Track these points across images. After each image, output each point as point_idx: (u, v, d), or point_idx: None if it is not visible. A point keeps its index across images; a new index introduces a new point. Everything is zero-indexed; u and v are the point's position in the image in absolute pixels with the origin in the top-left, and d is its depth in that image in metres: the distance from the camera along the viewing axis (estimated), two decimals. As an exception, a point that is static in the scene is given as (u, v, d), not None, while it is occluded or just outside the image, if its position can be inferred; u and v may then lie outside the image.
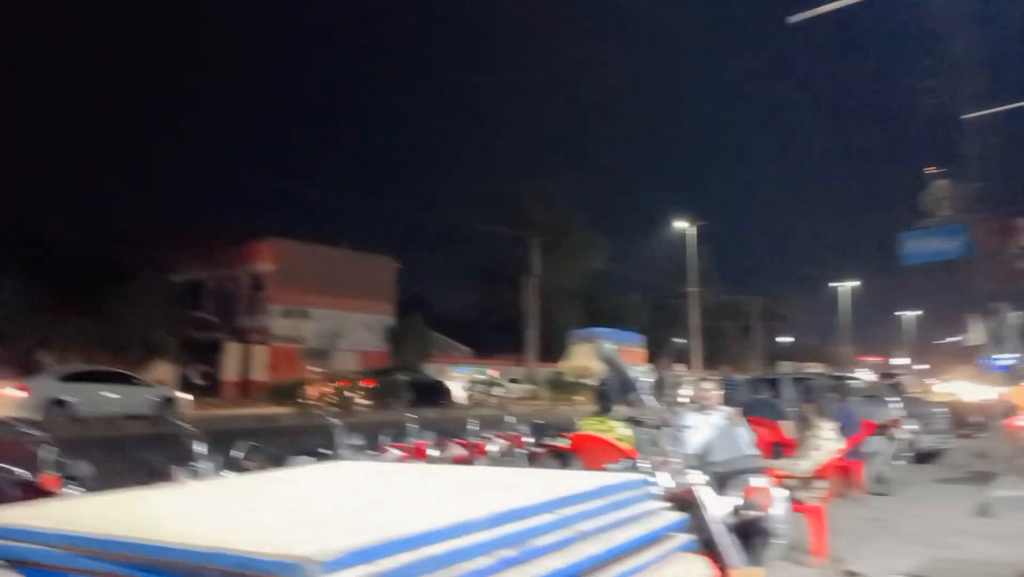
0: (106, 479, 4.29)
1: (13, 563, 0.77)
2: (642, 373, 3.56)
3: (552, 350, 37.63)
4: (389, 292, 36.29)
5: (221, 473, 4.29)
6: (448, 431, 6.90)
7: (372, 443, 6.20)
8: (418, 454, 6.25)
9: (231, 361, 29.60)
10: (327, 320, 32.15)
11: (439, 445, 6.54)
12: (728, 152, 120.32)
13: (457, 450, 6.59)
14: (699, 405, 4.72)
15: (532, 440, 7.22)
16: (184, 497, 1.16)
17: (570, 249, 40.33)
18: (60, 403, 17.08)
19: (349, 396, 22.94)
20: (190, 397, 20.73)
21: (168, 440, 4.93)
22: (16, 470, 3.51)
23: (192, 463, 4.28)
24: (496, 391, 30.37)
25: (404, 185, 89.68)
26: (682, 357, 35.68)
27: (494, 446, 6.74)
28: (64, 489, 3.66)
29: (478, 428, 6.94)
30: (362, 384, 24.22)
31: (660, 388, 5.31)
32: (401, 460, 6.11)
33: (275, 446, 5.77)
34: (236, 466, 4.93)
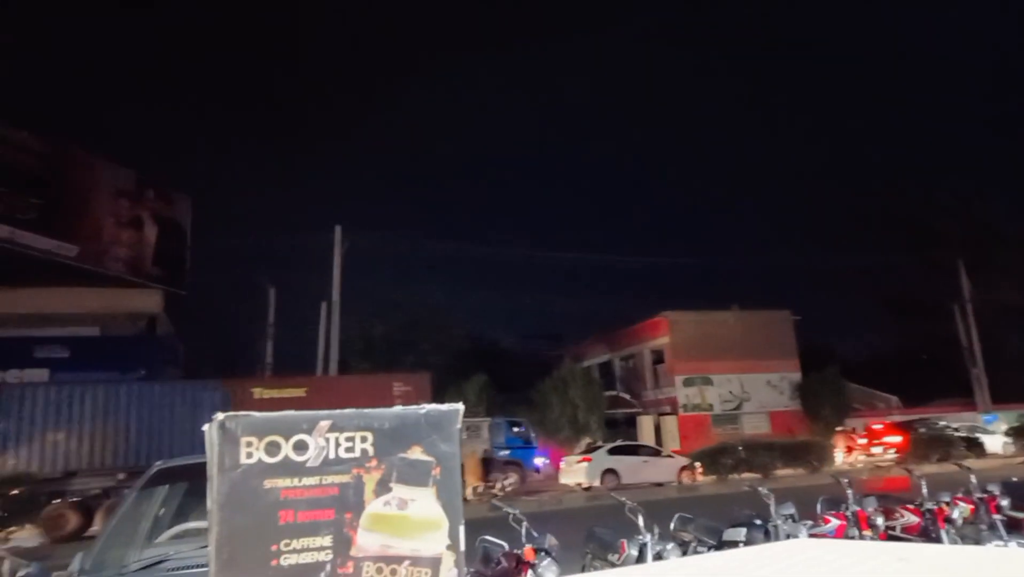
0: (567, 551, 4.86)
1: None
2: None
3: (1007, 387, 30.87)
4: (790, 347, 34.25)
5: (667, 546, 4.50)
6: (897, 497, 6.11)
7: (808, 511, 5.84)
8: (859, 523, 5.68)
9: (645, 433, 30.94)
10: (730, 384, 31.71)
11: (884, 512, 5.84)
12: None
13: (908, 518, 5.81)
14: None
15: (1006, 503, 5.98)
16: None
17: (1009, 257, 33.29)
18: (610, 471, 21.34)
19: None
20: (699, 465, 22.98)
21: (614, 512, 5.38)
22: (505, 545, 4.21)
23: (638, 536, 4.59)
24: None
25: (794, 232, 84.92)
26: None
27: (956, 512, 5.75)
28: (539, 560, 4.26)
29: (924, 491, 6.00)
30: (887, 442, 24.79)
31: None
32: (839, 530, 5.62)
33: (706, 516, 5.83)
34: (672, 538, 5.12)
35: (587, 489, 20.53)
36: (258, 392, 18.41)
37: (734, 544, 4.98)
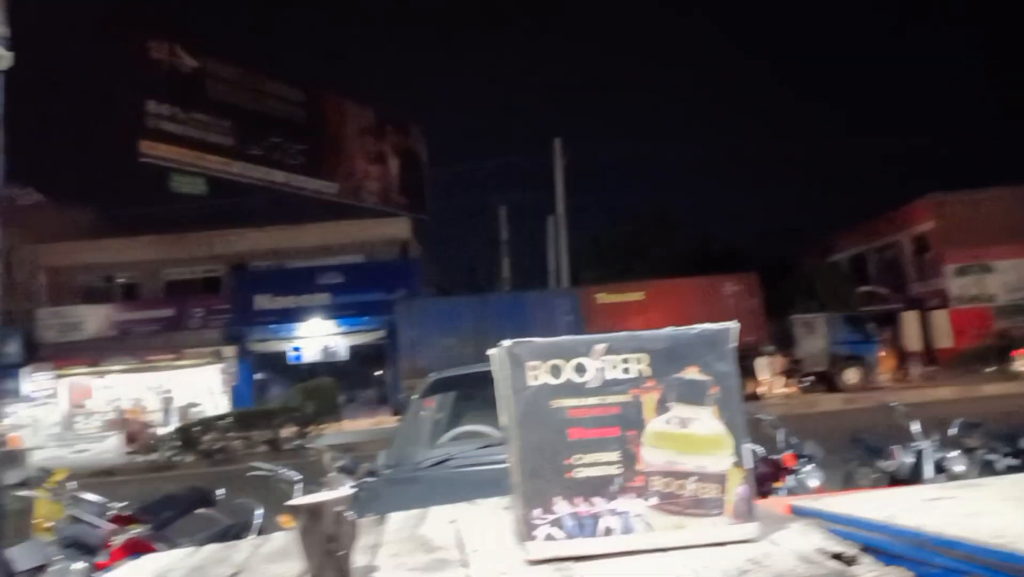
0: (827, 457, 4.63)
1: (868, 550, 0.96)
2: None
3: None
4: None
5: (950, 454, 4.12)
6: None
7: None
8: None
9: (909, 331, 27.98)
10: (1017, 270, 27.21)
11: None
12: None
13: None
14: None
15: None
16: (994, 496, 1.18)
17: None
18: None
19: None
20: None
21: (875, 416, 5.02)
22: (761, 450, 4.11)
23: (912, 442, 4.25)
24: None
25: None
26: None
27: None
28: (799, 466, 4.12)
29: None
30: None
31: None
32: None
33: (994, 421, 5.18)
34: (955, 444, 4.65)
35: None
36: (601, 297, 19.87)
37: (1035, 452, 4.39)
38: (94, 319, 23.86)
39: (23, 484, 3.65)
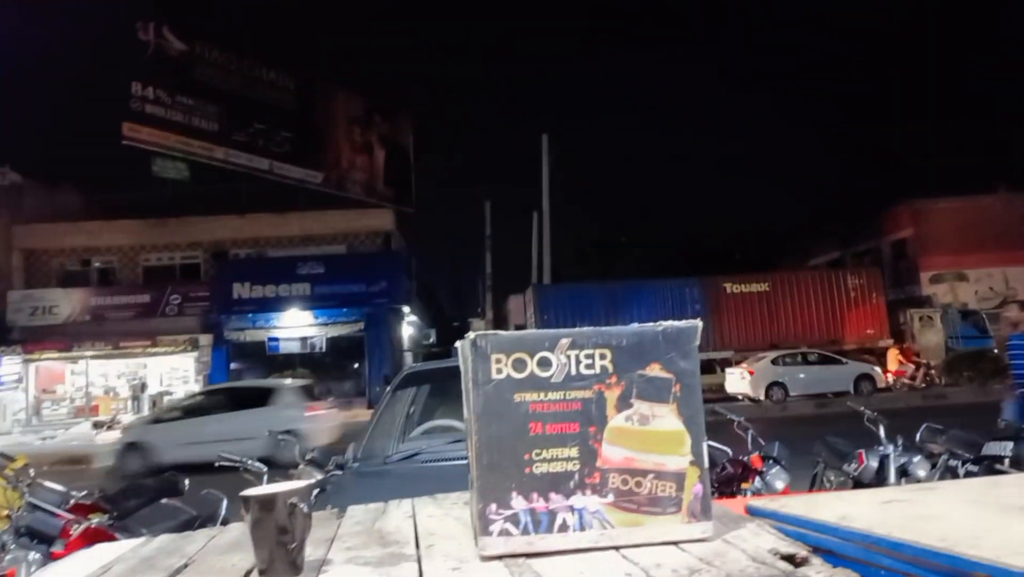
0: (795, 459, 4.67)
1: (818, 551, 0.96)
2: None
3: None
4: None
5: (914, 459, 4.18)
6: None
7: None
8: None
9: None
10: (991, 279, 27.61)
11: None
12: None
13: None
14: None
15: None
16: (947, 497, 1.19)
17: None
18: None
19: None
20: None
21: (851, 421, 5.07)
22: (729, 451, 4.14)
23: (878, 446, 4.30)
24: None
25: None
26: None
27: None
28: (767, 468, 4.16)
29: None
30: None
31: None
32: None
33: (961, 427, 5.25)
34: (919, 450, 4.72)
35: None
36: (728, 287, 20.29)
37: (997, 459, 4.46)
38: (68, 303, 23.47)
39: (-19, 470, 3.55)
